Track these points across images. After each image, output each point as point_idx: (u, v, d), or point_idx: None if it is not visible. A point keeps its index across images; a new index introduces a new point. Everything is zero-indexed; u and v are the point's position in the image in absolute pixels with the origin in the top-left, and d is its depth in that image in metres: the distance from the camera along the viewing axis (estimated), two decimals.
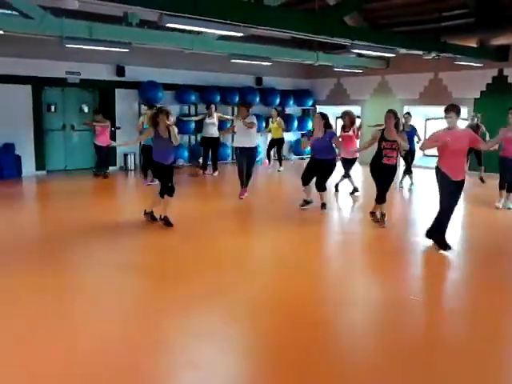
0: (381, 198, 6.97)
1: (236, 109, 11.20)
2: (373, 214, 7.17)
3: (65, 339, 3.58)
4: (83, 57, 11.23)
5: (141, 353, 3.42)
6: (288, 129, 14.19)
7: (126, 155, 12.54)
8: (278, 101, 14.75)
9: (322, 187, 7.98)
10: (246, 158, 8.89)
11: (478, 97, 12.23)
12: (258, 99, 14.24)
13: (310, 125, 15.57)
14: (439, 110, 12.40)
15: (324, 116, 7.91)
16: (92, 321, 3.91)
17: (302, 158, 15.32)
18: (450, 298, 4.72)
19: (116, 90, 12.38)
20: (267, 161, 14.09)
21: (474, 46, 10.45)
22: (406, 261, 5.76)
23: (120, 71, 12.30)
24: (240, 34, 7.39)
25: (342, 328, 3.95)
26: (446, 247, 5.78)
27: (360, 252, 6.24)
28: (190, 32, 8.78)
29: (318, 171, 7.92)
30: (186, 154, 13.48)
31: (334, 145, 7.90)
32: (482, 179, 10.70)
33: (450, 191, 5.62)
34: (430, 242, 5.97)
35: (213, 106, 11.81)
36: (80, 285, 4.72)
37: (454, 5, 10.29)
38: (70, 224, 6.92)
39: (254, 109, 9.94)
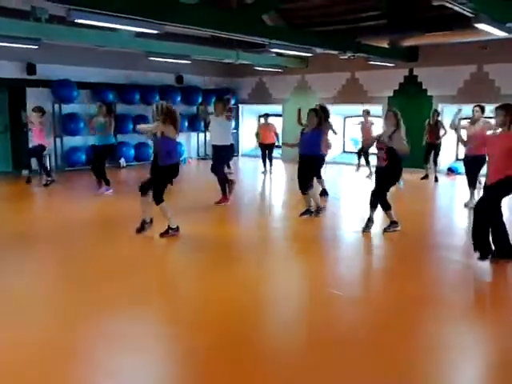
0: (381, 204, 6.34)
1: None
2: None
3: None
4: None
5: (53, 361, 3.24)
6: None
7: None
8: (199, 100, 14.62)
9: (304, 186, 7.17)
10: (219, 157, 8.15)
11: (392, 95, 12.78)
12: (179, 98, 14.04)
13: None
14: (356, 109, 12.98)
15: (317, 112, 7.20)
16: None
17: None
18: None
19: (27, 88, 11.69)
20: (190, 160, 14.03)
21: (386, 46, 10.88)
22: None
23: (31, 69, 11.62)
24: (155, 32, 7.22)
25: (268, 329, 3.94)
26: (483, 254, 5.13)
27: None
28: (103, 28, 8.44)
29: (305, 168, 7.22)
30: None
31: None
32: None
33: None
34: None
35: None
36: None
37: (368, 6, 10.63)
38: None
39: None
